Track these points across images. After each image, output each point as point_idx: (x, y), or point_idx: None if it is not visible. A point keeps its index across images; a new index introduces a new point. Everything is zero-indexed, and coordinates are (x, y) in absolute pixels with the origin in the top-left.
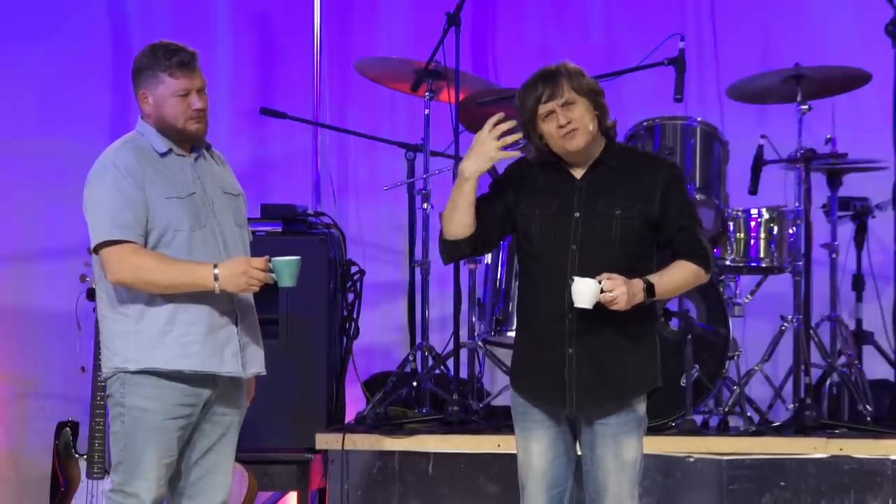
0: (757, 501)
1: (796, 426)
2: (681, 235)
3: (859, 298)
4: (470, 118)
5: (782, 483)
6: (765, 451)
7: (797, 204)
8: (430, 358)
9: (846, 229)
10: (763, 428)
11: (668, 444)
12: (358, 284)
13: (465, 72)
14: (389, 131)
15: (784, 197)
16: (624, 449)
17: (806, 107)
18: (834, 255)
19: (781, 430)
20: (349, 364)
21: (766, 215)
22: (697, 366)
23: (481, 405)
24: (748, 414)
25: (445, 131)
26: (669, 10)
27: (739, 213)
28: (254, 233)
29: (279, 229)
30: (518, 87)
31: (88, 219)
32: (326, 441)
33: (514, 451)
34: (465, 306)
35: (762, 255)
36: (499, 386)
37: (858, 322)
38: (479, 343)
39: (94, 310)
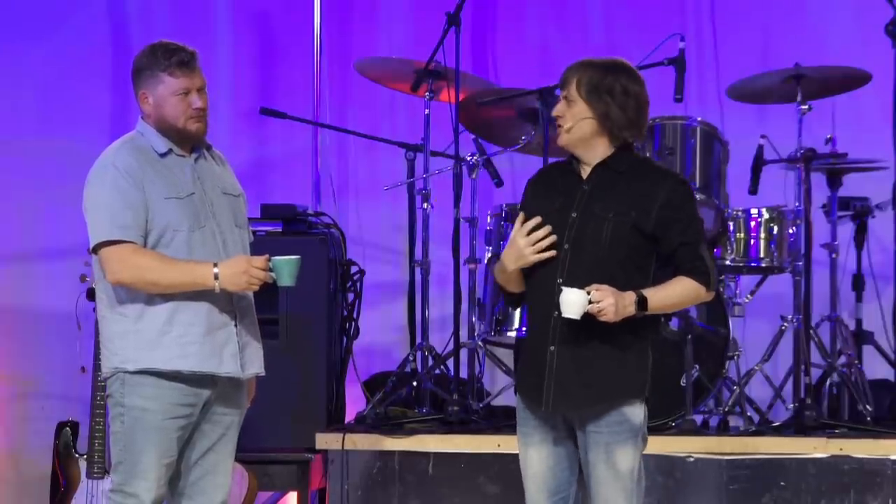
0: (757, 501)
1: (796, 426)
2: (683, 251)
3: (859, 298)
4: (470, 118)
5: (782, 483)
6: (765, 451)
7: (797, 204)
8: (430, 358)
9: (846, 229)
10: (763, 428)
11: (668, 444)
12: (358, 284)
13: (465, 72)
14: (389, 131)
15: (784, 197)
16: (617, 457)
17: (806, 107)
18: (834, 255)
19: (781, 430)
20: (349, 364)
21: (766, 215)
22: (697, 366)
23: (481, 405)
24: (748, 414)
25: (445, 131)
26: (669, 10)
27: (739, 213)
28: (254, 233)
29: (279, 229)
30: (518, 87)
31: (88, 219)
32: (326, 441)
33: (515, 452)
34: (465, 306)
35: (762, 255)
36: (499, 386)
37: (858, 322)
38: (479, 343)
39: (95, 310)
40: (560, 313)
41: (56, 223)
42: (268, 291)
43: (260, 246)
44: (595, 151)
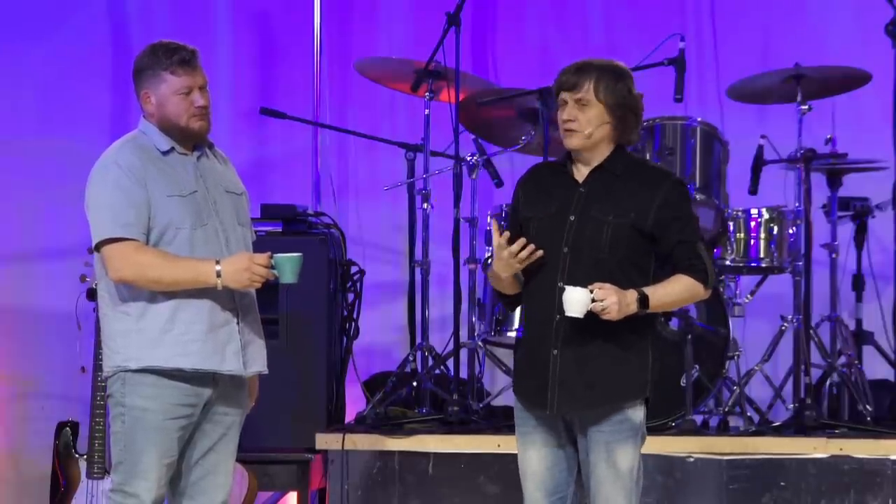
0: (757, 501)
1: (796, 426)
2: (680, 249)
3: (859, 298)
4: (470, 118)
5: (782, 483)
6: (765, 451)
7: (797, 204)
8: (430, 358)
9: (846, 229)
10: (763, 428)
11: (668, 444)
12: (358, 284)
13: (465, 72)
14: (389, 131)
15: (784, 197)
16: (617, 457)
17: (806, 107)
18: (834, 255)
19: (781, 430)
20: (349, 364)
21: (766, 215)
22: (697, 366)
23: (481, 405)
24: (748, 414)
25: (445, 131)
26: (669, 10)
27: (739, 213)
28: (255, 232)
29: (279, 229)
30: (518, 87)
31: (90, 217)
32: (326, 441)
33: (514, 452)
34: (465, 306)
35: (762, 255)
36: (499, 386)
37: (858, 322)
38: (479, 343)
39: (95, 309)
40: (561, 316)
41: (56, 223)
42: (268, 291)
43: (260, 246)
44: (600, 154)
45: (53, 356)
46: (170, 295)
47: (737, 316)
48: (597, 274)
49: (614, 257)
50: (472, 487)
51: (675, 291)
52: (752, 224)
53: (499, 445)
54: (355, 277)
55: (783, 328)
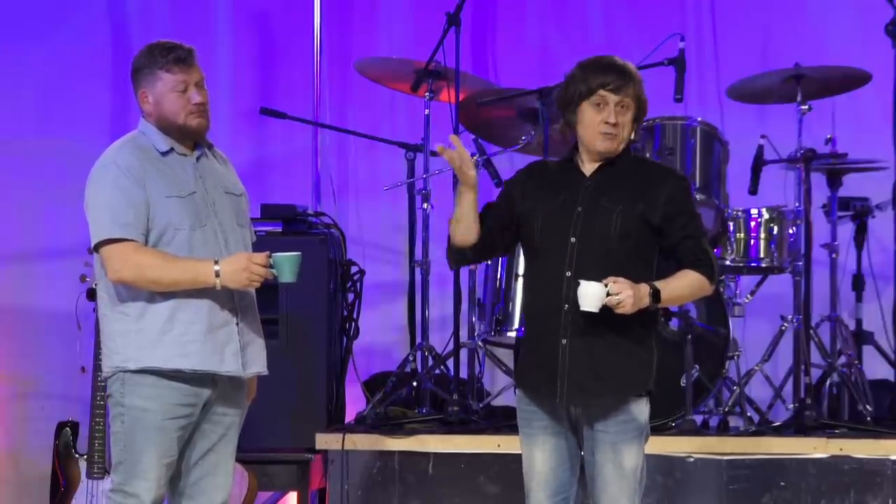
0: (757, 501)
1: (796, 426)
2: (687, 244)
3: (859, 298)
4: (470, 118)
5: (782, 483)
6: (765, 451)
7: (797, 204)
8: (430, 358)
9: (846, 229)
10: (763, 428)
11: (668, 444)
12: (358, 284)
13: (465, 72)
14: (389, 131)
15: (784, 197)
16: (624, 456)
17: (806, 107)
18: (834, 255)
19: (781, 430)
20: (349, 364)
21: (766, 215)
22: (697, 366)
23: (481, 405)
24: (748, 414)
25: (445, 131)
26: (669, 10)
27: (739, 213)
28: (254, 233)
29: (279, 229)
30: (518, 87)
31: (89, 217)
32: (326, 441)
33: (515, 452)
34: (465, 306)
35: (762, 255)
36: (499, 386)
37: (858, 322)
38: (479, 343)
39: (95, 310)
40: (570, 306)
41: (56, 223)
42: (268, 291)
43: (260, 246)
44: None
45: (53, 356)
46: (168, 295)
47: (737, 316)
48: (605, 264)
49: (623, 248)
50: (472, 487)
51: (683, 286)
52: (752, 224)
53: (499, 445)
54: (355, 277)
55: (783, 328)
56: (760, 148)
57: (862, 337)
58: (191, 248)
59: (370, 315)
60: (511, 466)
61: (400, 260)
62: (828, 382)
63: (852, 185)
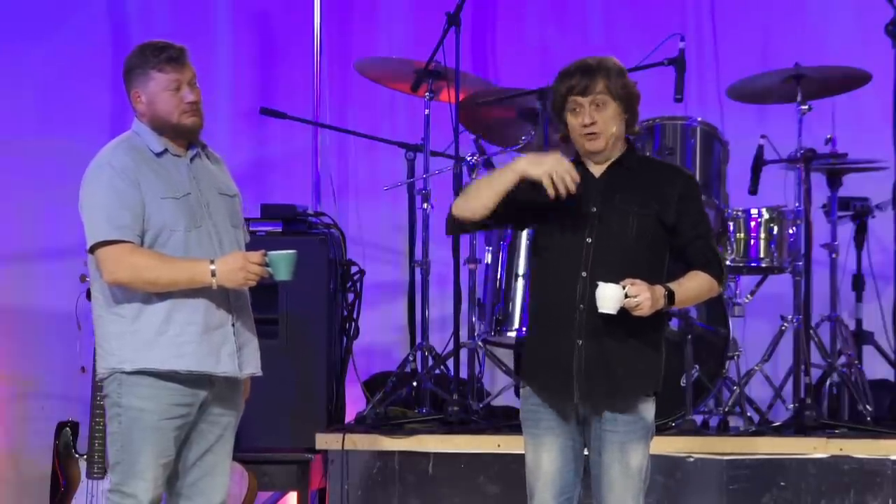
0: (757, 501)
1: (796, 426)
2: (697, 245)
3: (859, 298)
4: (470, 118)
5: (782, 483)
6: (765, 451)
7: (797, 204)
8: (430, 358)
9: (846, 229)
10: (763, 428)
11: (668, 444)
12: (358, 284)
13: (465, 72)
14: (389, 131)
15: (784, 197)
16: (630, 456)
17: (806, 107)
18: (834, 255)
19: (781, 430)
20: (349, 364)
21: (766, 215)
22: (697, 366)
23: (481, 405)
24: (748, 414)
25: (445, 131)
26: (669, 10)
27: (739, 213)
28: (254, 233)
29: (279, 229)
30: (518, 87)
31: (84, 219)
32: (326, 441)
33: (514, 452)
34: (465, 306)
35: (762, 255)
36: (499, 386)
37: (858, 322)
38: (479, 343)
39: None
40: (584, 307)
41: (56, 223)
42: (268, 291)
43: (260, 246)
44: (616, 151)
45: (53, 356)
46: (164, 296)
47: (737, 316)
48: (621, 265)
49: (639, 248)
50: (472, 487)
51: (695, 287)
52: (752, 224)
53: (499, 445)
54: (355, 277)
55: (783, 328)
56: (760, 148)
57: (862, 337)
58: (186, 249)
59: (370, 315)
60: (511, 466)
61: (400, 260)
62: (828, 382)
63: (852, 185)
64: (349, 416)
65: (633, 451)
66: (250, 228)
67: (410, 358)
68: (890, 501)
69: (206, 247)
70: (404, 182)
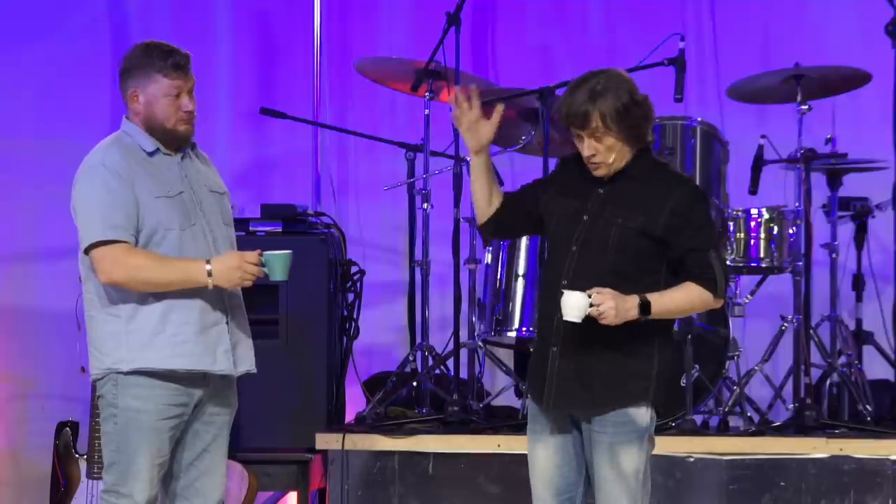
0: (757, 501)
1: (796, 426)
2: (691, 257)
3: (859, 298)
4: None
5: (782, 483)
6: (765, 451)
7: (797, 204)
8: (430, 358)
9: (846, 229)
10: (763, 428)
11: (668, 444)
12: (358, 284)
13: (465, 72)
14: (389, 131)
15: (784, 197)
16: (621, 458)
17: (806, 107)
18: (834, 255)
19: (781, 430)
20: (349, 364)
21: (766, 215)
22: (697, 366)
23: (481, 405)
24: (748, 414)
25: (445, 131)
26: (669, 10)
27: (739, 213)
28: (254, 233)
29: (279, 229)
30: (518, 87)
31: (78, 220)
32: (326, 441)
33: (514, 452)
34: (465, 306)
35: (762, 255)
36: (499, 386)
37: (858, 322)
38: (479, 343)
39: None
40: (559, 315)
41: (56, 223)
42: (268, 291)
43: (260, 246)
44: (622, 162)
45: (53, 356)
46: (160, 296)
47: (737, 316)
48: (602, 275)
49: (621, 260)
50: (472, 487)
51: (680, 299)
52: (752, 224)
53: (499, 445)
54: (355, 277)
55: (783, 328)
56: (760, 148)
57: (862, 337)
58: (180, 247)
59: (370, 315)
60: (511, 466)
61: (400, 260)
62: (828, 382)
63: (852, 185)
64: (349, 416)
65: (623, 452)
66: (250, 228)
67: (410, 358)
68: (890, 501)
69: (200, 245)
70: (404, 182)
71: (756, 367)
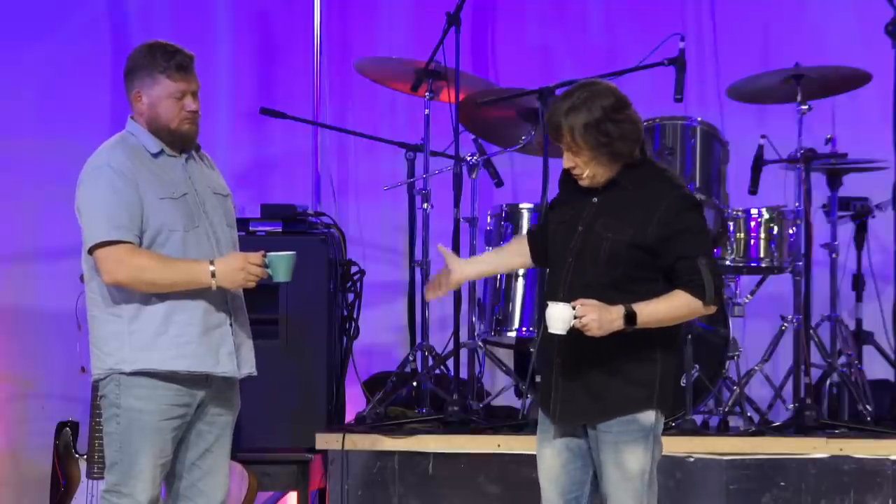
0: (757, 501)
1: (796, 426)
2: (680, 265)
3: (859, 298)
4: (470, 118)
5: (782, 483)
6: (765, 451)
7: (797, 204)
8: (430, 358)
9: (846, 229)
10: (763, 428)
11: (668, 444)
12: (358, 284)
13: (465, 72)
14: (389, 131)
15: (784, 197)
16: (626, 458)
17: (806, 107)
18: (834, 255)
19: (781, 430)
20: (349, 364)
21: (766, 215)
22: (697, 366)
23: (481, 405)
24: (748, 414)
25: (445, 131)
26: (669, 10)
27: (739, 213)
28: (254, 233)
29: (279, 229)
30: (518, 87)
31: (83, 220)
32: (326, 441)
33: (514, 452)
34: (465, 306)
35: (762, 255)
36: (499, 386)
37: (858, 322)
38: (479, 343)
39: None
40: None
41: (56, 223)
42: (268, 291)
43: (260, 246)
44: (611, 174)
45: (53, 356)
46: (163, 297)
47: (737, 316)
48: (596, 287)
49: (612, 273)
50: (472, 487)
51: (668, 307)
52: (752, 224)
53: (499, 445)
54: (355, 277)
55: (783, 328)
56: (760, 148)
57: (862, 337)
58: (184, 249)
59: (370, 315)
60: (511, 466)
61: (400, 260)
62: (828, 382)
63: (852, 185)
64: (349, 416)
65: (628, 452)
66: (250, 228)
67: (410, 358)
68: (890, 501)
69: (203, 247)
70: (404, 182)
71: (756, 367)
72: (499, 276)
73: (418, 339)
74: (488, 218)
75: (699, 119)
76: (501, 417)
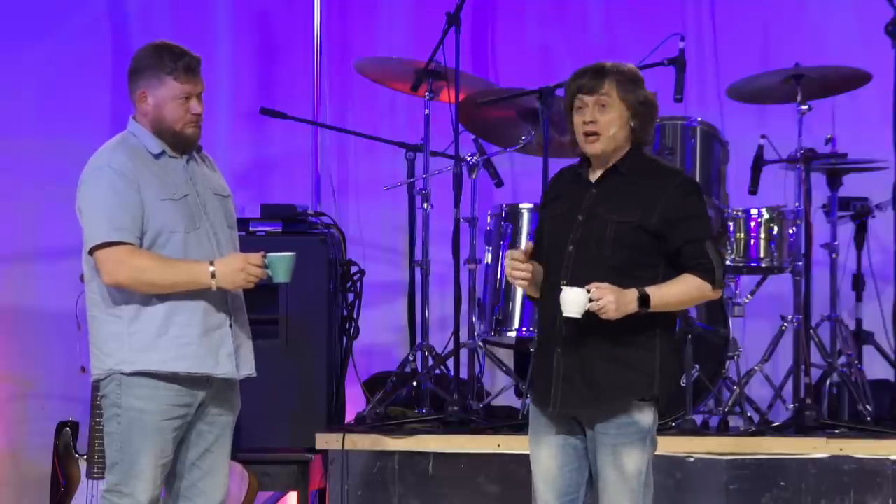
0: (757, 501)
1: (796, 426)
2: (688, 248)
3: (859, 298)
4: (470, 118)
5: (782, 483)
6: (765, 451)
7: (797, 204)
8: (430, 358)
9: (846, 229)
10: (763, 428)
11: (668, 444)
12: (358, 284)
13: (465, 72)
14: (389, 131)
15: (784, 197)
16: (624, 460)
17: (806, 107)
18: (834, 255)
19: (781, 430)
20: (349, 364)
21: (766, 215)
22: (697, 366)
23: (481, 405)
24: (748, 414)
25: (445, 131)
26: (669, 10)
27: (739, 213)
28: (254, 233)
29: (279, 229)
30: (518, 87)
31: (84, 220)
32: (326, 441)
33: (514, 452)
34: (465, 306)
35: (762, 255)
36: (499, 386)
37: (858, 322)
38: (479, 343)
39: None
40: (562, 314)
41: (56, 223)
42: (268, 291)
43: (260, 246)
44: (616, 156)
45: (53, 356)
46: (163, 298)
47: (737, 316)
48: (600, 272)
49: (618, 256)
50: (472, 487)
51: (679, 290)
52: (752, 224)
53: (499, 445)
54: (355, 277)
55: (783, 328)
56: (760, 148)
57: (862, 337)
58: (185, 250)
59: (370, 315)
60: (511, 466)
61: (400, 260)
62: (828, 382)
63: (852, 185)
64: (349, 416)
65: (626, 454)
66: (250, 228)
67: (410, 358)
68: (890, 501)
69: (204, 248)
70: (404, 182)
71: (756, 367)
72: (498, 276)
73: (418, 339)
74: (488, 218)
75: (699, 119)
76: (501, 417)
